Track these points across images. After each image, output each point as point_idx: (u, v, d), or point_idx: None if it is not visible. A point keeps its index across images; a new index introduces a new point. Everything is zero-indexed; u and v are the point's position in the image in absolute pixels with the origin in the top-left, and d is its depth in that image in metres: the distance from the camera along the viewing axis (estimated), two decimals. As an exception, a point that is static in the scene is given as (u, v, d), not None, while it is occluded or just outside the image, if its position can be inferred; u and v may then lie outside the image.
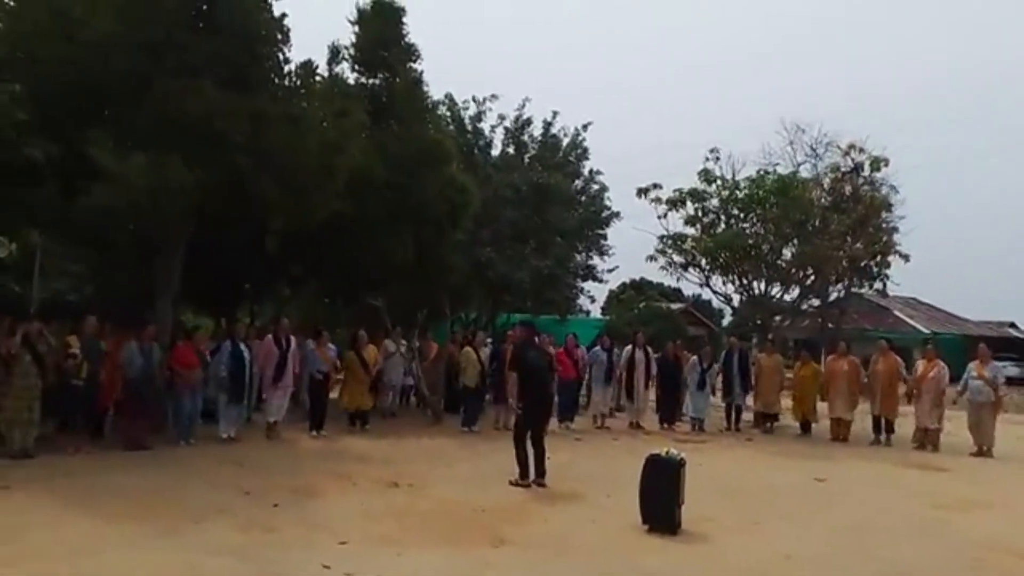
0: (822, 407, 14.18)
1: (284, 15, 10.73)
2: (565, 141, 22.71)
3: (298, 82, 11.01)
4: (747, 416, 14.98)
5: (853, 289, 22.23)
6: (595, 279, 24.14)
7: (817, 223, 18.20)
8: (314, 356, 12.08)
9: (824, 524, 7.44)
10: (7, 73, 9.52)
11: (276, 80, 10.78)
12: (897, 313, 37.60)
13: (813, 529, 7.23)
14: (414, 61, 14.58)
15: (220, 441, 10.44)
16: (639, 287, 40.39)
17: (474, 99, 21.53)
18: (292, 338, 11.70)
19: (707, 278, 19.65)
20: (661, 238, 19.41)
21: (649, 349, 14.72)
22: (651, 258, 19.65)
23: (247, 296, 18.42)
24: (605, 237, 23.38)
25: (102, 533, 5.96)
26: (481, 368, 13.02)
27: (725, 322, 34.85)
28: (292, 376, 11.60)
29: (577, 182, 23.09)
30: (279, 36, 10.61)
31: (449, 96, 21.14)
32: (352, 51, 14.38)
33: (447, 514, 7.13)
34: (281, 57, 10.77)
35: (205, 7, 10.00)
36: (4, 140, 8.96)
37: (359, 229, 12.75)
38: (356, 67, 14.42)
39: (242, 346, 11.04)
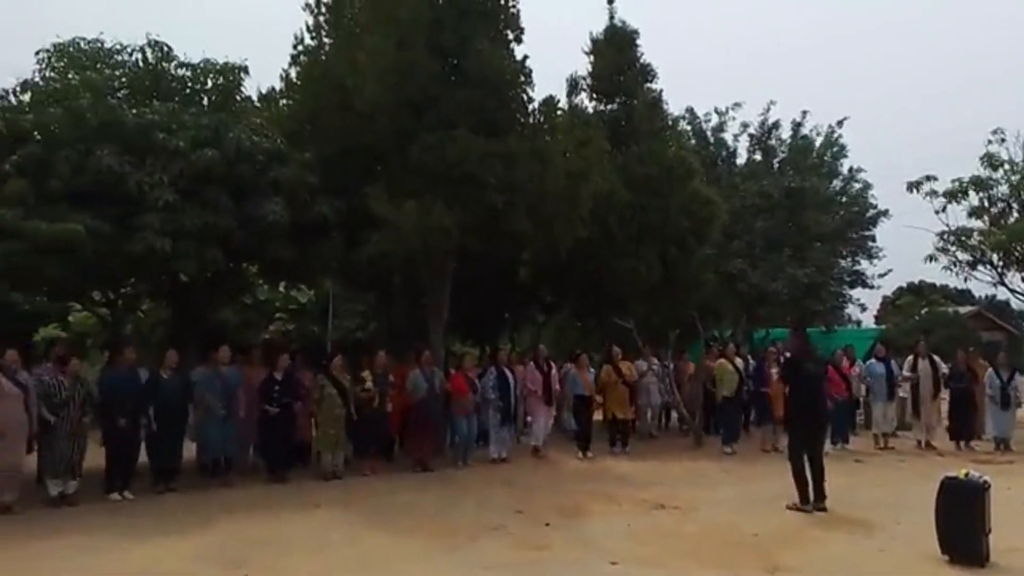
0: None
1: (526, 57, 11.41)
2: (818, 141, 21.37)
3: (541, 118, 11.57)
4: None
5: None
6: (864, 285, 22.22)
7: None
8: (575, 379, 12.42)
9: None
10: (298, 144, 11.14)
11: (521, 119, 11.42)
12: None
13: None
14: (651, 81, 14.68)
15: (491, 462, 11.08)
16: (919, 291, 36.63)
17: (716, 110, 21.08)
18: (552, 364, 12.16)
19: (1001, 276, 17.23)
20: (941, 235, 17.40)
21: (936, 359, 13.18)
22: (930, 258, 17.68)
23: (506, 324, 19.50)
24: (873, 239, 21.53)
25: (393, 548, 6.60)
26: (739, 377, 12.54)
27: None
28: (554, 400, 12.05)
29: (835, 182, 21.60)
30: (522, 78, 11.25)
31: (690, 110, 20.92)
32: (589, 80, 14.80)
33: (716, 538, 6.92)
34: (525, 97, 11.41)
35: (455, 63, 10.90)
36: (299, 201, 10.48)
37: (605, 252, 13.01)
38: (594, 95, 14.80)
39: (506, 371, 11.66)
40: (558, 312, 18.30)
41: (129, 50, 12.15)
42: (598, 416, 12.73)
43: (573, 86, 14.87)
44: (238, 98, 12.62)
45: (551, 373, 12.01)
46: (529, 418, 12.29)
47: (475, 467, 10.81)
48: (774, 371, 12.14)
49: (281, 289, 20.08)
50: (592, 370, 12.87)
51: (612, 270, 13.21)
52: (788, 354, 9.30)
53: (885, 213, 21.11)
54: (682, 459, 11.66)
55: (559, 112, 12.11)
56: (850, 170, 21.72)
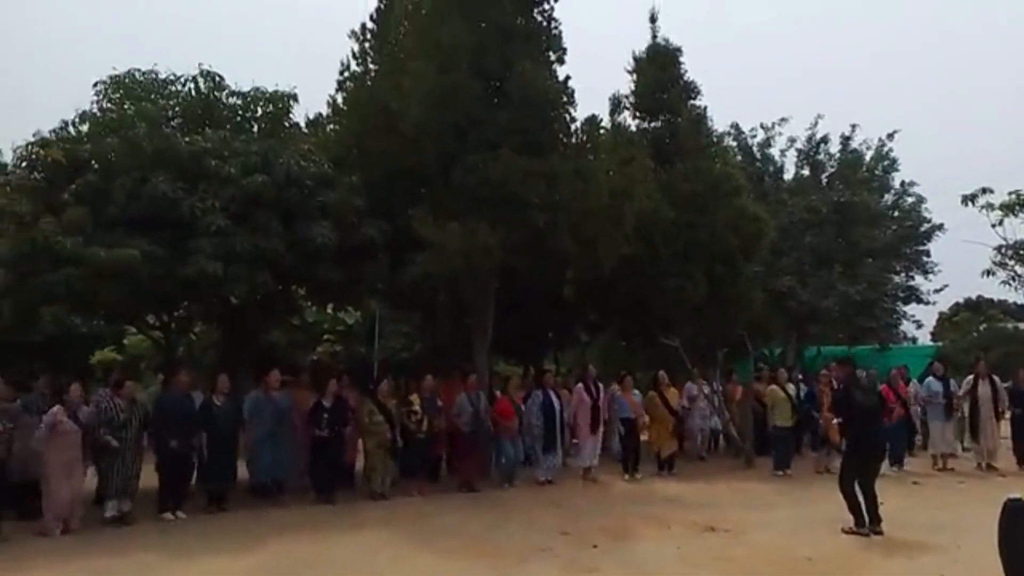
0: None
1: (568, 77, 11.45)
2: (869, 155, 20.98)
3: (584, 137, 11.57)
4: None
5: None
6: (919, 301, 21.56)
7: None
8: (621, 400, 12.29)
9: None
10: (345, 168, 11.34)
11: (564, 139, 11.43)
12: None
13: None
14: (694, 98, 14.61)
15: (537, 484, 11.00)
16: (976, 307, 35.53)
17: (762, 126, 20.90)
18: (600, 385, 12.05)
19: (1063, 291, 16.59)
20: (998, 249, 16.82)
21: (996, 378, 12.70)
22: (988, 272, 17.10)
23: (551, 344, 19.43)
24: (927, 253, 20.93)
25: (439, 569, 6.59)
26: (792, 405, 12.24)
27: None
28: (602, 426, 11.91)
29: (887, 196, 21.11)
30: (565, 98, 11.29)
31: (735, 126, 20.78)
32: (632, 98, 14.77)
33: (769, 562, 6.74)
34: (567, 117, 11.43)
35: (498, 85, 11.00)
36: (346, 224, 10.65)
37: (650, 270, 12.90)
38: (637, 113, 14.76)
39: (551, 394, 11.59)
40: (603, 331, 18.18)
41: (182, 80, 12.53)
42: (645, 437, 12.57)
43: (616, 105, 14.85)
44: (287, 124, 12.92)
45: (600, 396, 11.87)
46: (575, 440, 12.16)
47: (521, 488, 10.75)
48: (828, 395, 11.85)
49: (329, 311, 20.39)
50: (637, 392, 12.68)
51: (658, 288, 13.06)
52: (838, 385, 9.08)
53: (940, 227, 20.55)
54: (732, 481, 11.43)
55: (602, 131, 12.08)
56: (902, 184, 21.25)
